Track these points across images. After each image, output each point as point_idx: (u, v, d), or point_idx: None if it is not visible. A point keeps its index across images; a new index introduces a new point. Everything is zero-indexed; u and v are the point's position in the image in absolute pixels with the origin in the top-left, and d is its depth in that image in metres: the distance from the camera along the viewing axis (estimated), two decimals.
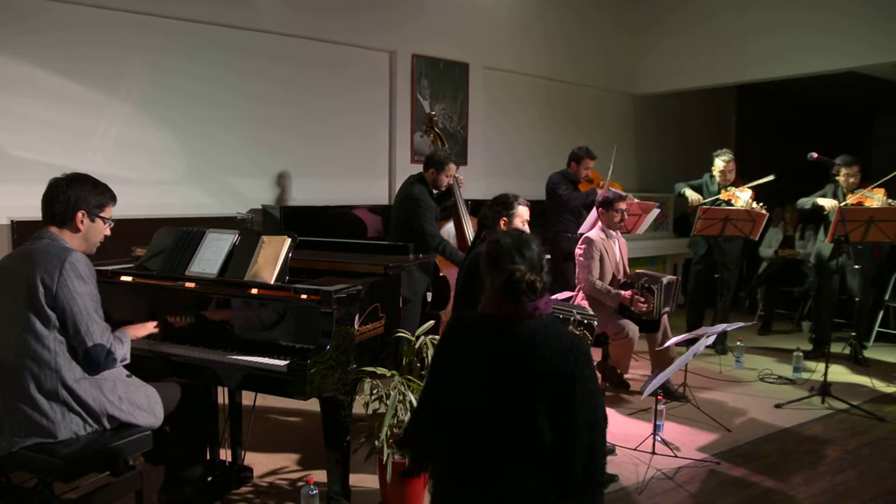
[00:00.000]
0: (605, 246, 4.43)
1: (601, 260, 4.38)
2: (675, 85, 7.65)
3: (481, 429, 1.85)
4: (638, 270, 4.64)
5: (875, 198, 5.07)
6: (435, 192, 4.56)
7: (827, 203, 5.24)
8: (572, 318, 3.46)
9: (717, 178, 5.58)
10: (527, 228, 3.45)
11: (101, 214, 2.45)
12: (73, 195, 2.37)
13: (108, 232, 2.50)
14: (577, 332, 3.42)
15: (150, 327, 2.73)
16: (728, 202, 5.46)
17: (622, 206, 4.47)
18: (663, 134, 8.46)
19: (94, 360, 2.30)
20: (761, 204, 5.37)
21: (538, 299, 1.91)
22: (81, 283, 2.28)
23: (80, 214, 2.39)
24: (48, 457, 2.21)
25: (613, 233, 4.55)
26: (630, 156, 8.11)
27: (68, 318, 2.26)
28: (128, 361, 2.44)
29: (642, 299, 4.22)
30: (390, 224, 4.70)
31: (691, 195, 5.53)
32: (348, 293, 2.65)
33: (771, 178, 5.36)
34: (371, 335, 2.79)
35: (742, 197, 5.44)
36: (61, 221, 2.38)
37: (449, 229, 4.86)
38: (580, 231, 5.15)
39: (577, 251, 4.46)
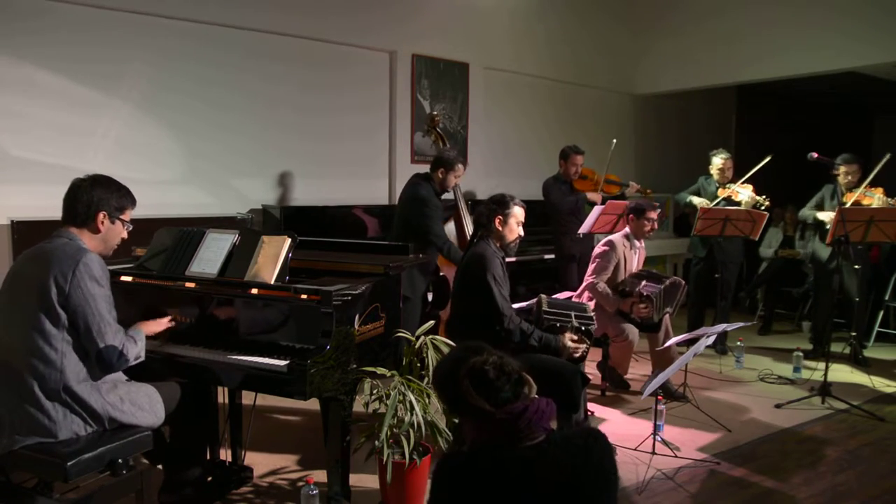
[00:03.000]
0: (626, 254, 4.40)
1: (616, 266, 4.36)
2: (676, 85, 7.66)
3: None
4: (642, 269, 4.61)
5: (874, 196, 5.07)
6: (442, 192, 4.55)
7: (827, 217, 5.23)
8: (570, 325, 3.42)
9: (716, 177, 5.59)
10: (521, 231, 3.44)
11: (121, 217, 2.47)
12: (96, 196, 2.39)
13: (125, 235, 2.52)
14: (575, 339, 3.38)
15: (164, 322, 2.74)
16: (729, 199, 5.45)
17: (653, 215, 4.41)
18: (663, 134, 8.46)
19: (106, 361, 2.32)
20: (764, 196, 5.36)
21: (523, 392, 1.61)
22: (95, 284, 2.29)
23: (101, 216, 2.40)
24: (48, 456, 2.21)
25: (638, 243, 4.52)
26: (630, 156, 8.11)
27: (80, 318, 2.27)
28: (142, 359, 2.44)
29: (643, 305, 4.20)
30: (393, 223, 4.68)
31: (699, 201, 5.54)
32: (348, 293, 2.65)
33: (767, 159, 5.35)
34: (371, 335, 2.79)
35: (743, 193, 5.43)
36: (82, 222, 2.40)
37: (450, 229, 4.87)
38: (580, 231, 5.16)
39: (597, 250, 4.41)
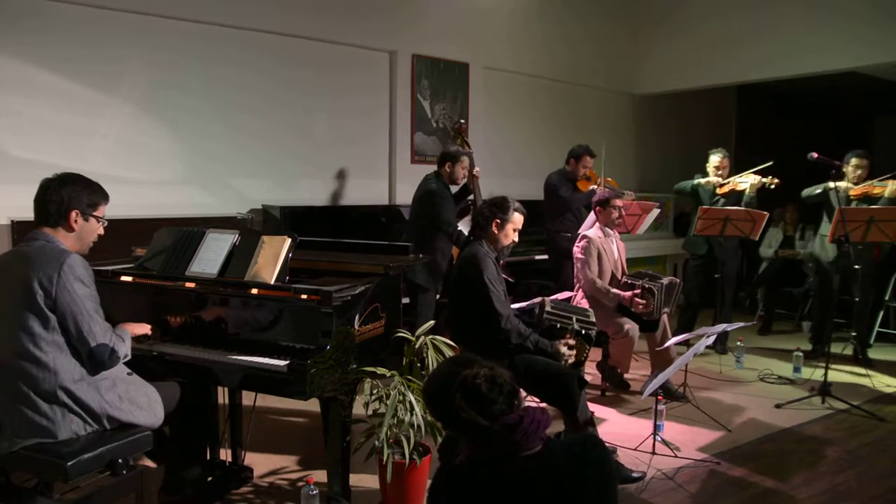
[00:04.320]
0: (604, 244, 4.44)
1: (599, 258, 4.39)
2: (676, 85, 7.65)
3: None
4: (640, 270, 4.64)
5: (886, 185, 5.06)
6: (453, 186, 4.69)
7: (841, 183, 5.18)
8: (570, 327, 3.41)
9: (712, 174, 5.58)
10: (516, 237, 3.44)
11: (95, 214, 2.44)
12: (66, 195, 2.36)
13: (101, 231, 2.49)
14: (571, 344, 3.36)
15: (145, 328, 2.73)
16: (731, 193, 5.44)
17: (619, 203, 4.50)
18: (663, 134, 8.45)
19: (98, 360, 2.31)
20: (771, 176, 5.34)
21: (516, 402, 1.57)
22: (80, 284, 2.28)
23: (73, 214, 2.37)
24: (48, 457, 2.21)
25: (611, 232, 4.56)
26: (630, 156, 8.11)
27: (69, 320, 2.26)
28: (129, 358, 2.44)
29: (642, 301, 4.21)
30: (408, 221, 4.87)
31: (713, 180, 5.51)
32: (348, 293, 2.65)
33: (769, 164, 5.35)
34: (371, 335, 2.79)
35: (745, 180, 5.40)
36: (55, 222, 2.37)
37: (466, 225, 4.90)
38: (579, 232, 5.15)
39: (576, 249, 4.46)
